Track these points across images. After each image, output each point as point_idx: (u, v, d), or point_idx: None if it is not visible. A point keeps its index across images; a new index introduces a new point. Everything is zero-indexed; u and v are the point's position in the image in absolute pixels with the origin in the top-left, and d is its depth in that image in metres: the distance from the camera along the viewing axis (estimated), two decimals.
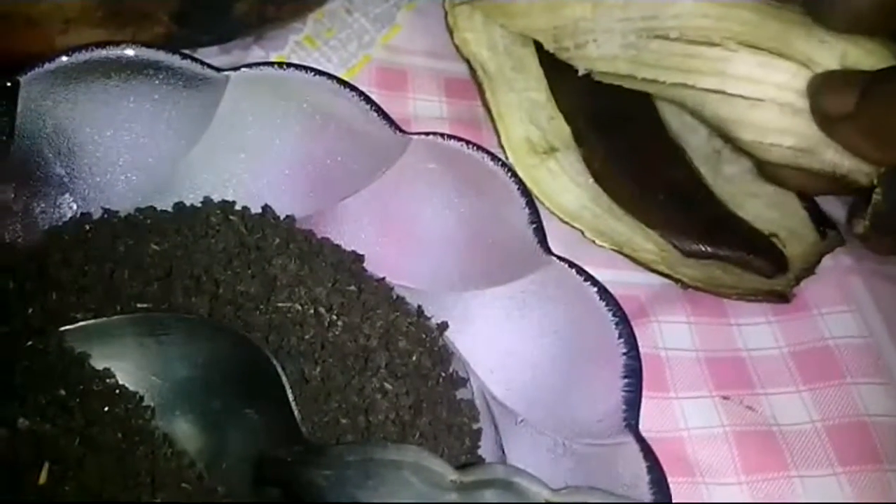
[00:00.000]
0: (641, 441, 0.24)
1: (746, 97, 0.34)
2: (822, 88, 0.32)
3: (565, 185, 0.39)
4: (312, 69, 0.30)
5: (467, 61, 0.42)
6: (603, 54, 0.38)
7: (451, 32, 0.43)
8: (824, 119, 0.32)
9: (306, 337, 0.28)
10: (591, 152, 0.40)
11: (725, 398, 0.34)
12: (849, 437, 0.33)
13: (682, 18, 0.35)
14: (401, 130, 0.30)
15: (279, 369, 0.26)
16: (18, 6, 0.34)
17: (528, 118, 0.41)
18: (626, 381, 0.25)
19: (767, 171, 0.36)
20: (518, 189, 0.29)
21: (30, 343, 0.27)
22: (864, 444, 0.33)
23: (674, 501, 0.23)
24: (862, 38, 0.33)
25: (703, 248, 0.37)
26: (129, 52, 0.29)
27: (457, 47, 0.42)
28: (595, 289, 0.27)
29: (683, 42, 0.35)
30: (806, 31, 0.33)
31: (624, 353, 0.25)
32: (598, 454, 0.25)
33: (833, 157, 0.33)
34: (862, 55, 0.33)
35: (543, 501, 0.22)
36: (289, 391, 0.26)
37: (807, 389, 0.34)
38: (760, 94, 0.34)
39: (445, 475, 0.23)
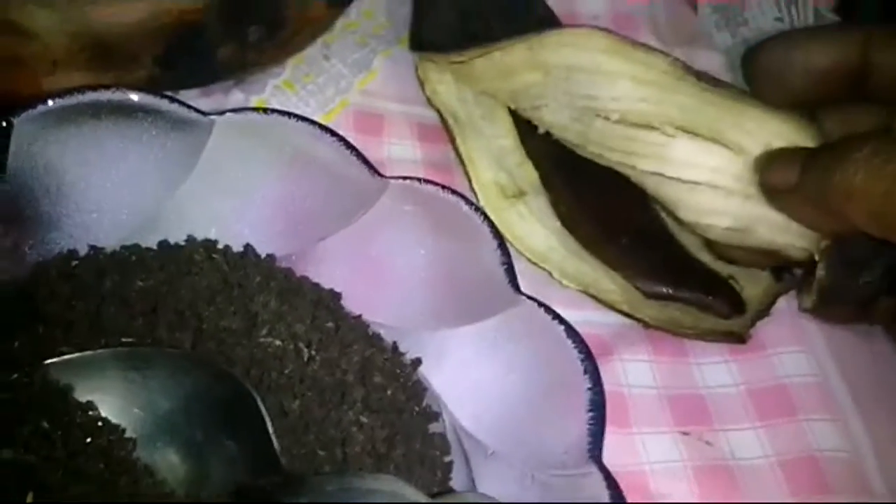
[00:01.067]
0: (604, 470, 0.25)
1: (684, 180, 0.36)
2: (769, 164, 0.34)
3: (534, 227, 0.41)
4: (294, 115, 0.32)
5: (438, 111, 0.44)
6: (555, 121, 0.39)
7: (422, 85, 0.44)
8: (771, 192, 0.34)
9: (286, 371, 0.29)
10: (558, 197, 0.42)
11: (685, 433, 0.35)
12: (800, 471, 0.34)
13: (621, 101, 0.37)
14: (379, 174, 0.31)
15: (259, 402, 0.27)
16: (6, 49, 0.35)
17: (497, 163, 0.43)
18: (590, 414, 0.26)
19: (711, 246, 0.38)
20: (490, 231, 0.30)
21: (15, 375, 0.28)
22: (815, 476, 0.34)
23: None
24: (791, 117, 0.35)
25: (664, 290, 0.39)
26: (120, 95, 0.30)
27: (428, 98, 0.44)
28: (562, 327, 0.28)
29: (625, 125, 0.37)
30: (734, 119, 0.35)
31: (589, 388, 0.27)
32: (564, 484, 0.26)
33: (766, 235, 0.35)
34: (791, 135, 0.35)
35: None
36: (269, 423, 0.27)
37: (762, 426, 0.36)
38: (697, 178, 0.35)
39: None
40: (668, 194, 0.36)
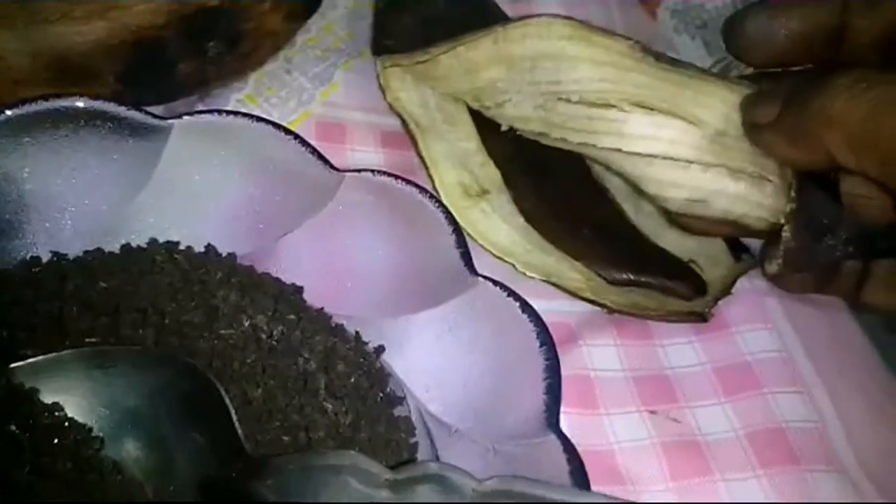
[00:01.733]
0: (562, 436, 0.26)
1: (643, 154, 0.36)
2: (752, 102, 0.35)
3: (497, 224, 0.42)
4: (252, 116, 0.32)
5: (400, 117, 0.45)
6: (518, 114, 0.40)
7: (384, 92, 0.45)
8: (753, 128, 0.34)
9: (247, 361, 0.29)
10: (521, 194, 0.43)
11: (652, 412, 0.36)
12: (767, 443, 0.35)
13: (581, 83, 0.37)
14: (334, 168, 0.32)
15: (222, 392, 0.28)
16: None
17: (459, 164, 0.43)
18: (546, 382, 0.27)
19: (672, 218, 0.39)
20: (445, 217, 0.31)
21: None
22: (782, 447, 0.35)
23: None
24: (751, 90, 0.36)
25: (627, 277, 0.40)
26: (78, 103, 0.31)
27: (390, 105, 0.45)
28: (517, 303, 0.29)
29: (584, 105, 0.37)
30: (692, 93, 0.36)
31: (545, 358, 0.27)
32: (525, 453, 0.27)
33: (725, 205, 0.36)
34: None
35: (471, 491, 0.23)
36: (232, 412, 0.28)
37: (728, 401, 0.36)
38: (654, 151, 0.36)
39: (381, 475, 0.25)
40: (628, 169, 0.37)
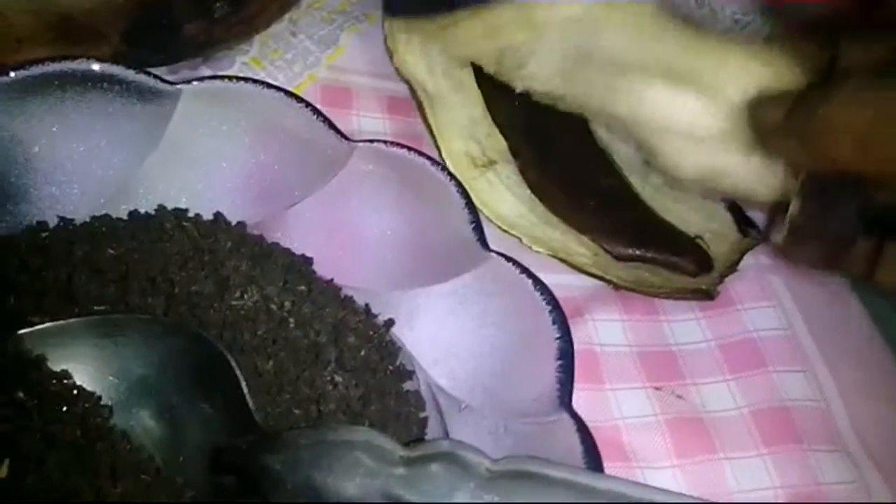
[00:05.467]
0: (575, 416, 0.26)
1: (658, 126, 0.36)
2: (759, 103, 0.35)
3: (503, 195, 0.41)
4: (262, 82, 0.32)
5: (407, 82, 0.44)
6: (539, 77, 0.40)
7: (391, 55, 0.44)
8: (759, 131, 0.34)
9: (259, 332, 0.29)
10: (527, 164, 0.42)
11: (657, 389, 0.36)
12: (771, 421, 0.35)
13: (604, 49, 0.37)
14: (346, 138, 0.32)
15: (233, 363, 0.28)
16: None
17: (466, 133, 0.43)
18: (559, 362, 0.27)
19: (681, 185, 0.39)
20: (458, 191, 0.31)
21: None
22: (786, 426, 0.35)
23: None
24: (774, 60, 0.35)
25: (632, 252, 0.39)
26: (85, 66, 0.30)
27: (397, 69, 0.44)
28: (530, 280, 0.29)
29: (606, 72, 0.37)
30: (715, 64, 0.35)
31: (557, 338, 0.27)
32: (536, 432, 0.27)
33: (735, 180, 0.36)
34: (772, 78, 0.35)
35: (485, 470, 0.23)
36: (243, 384, 0.27)
37: (732, 378, 0.37)
38: (671, 122, 0.36)
39: (394, 452, 0.24)
40: (643, 137, 0.37)
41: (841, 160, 0.30)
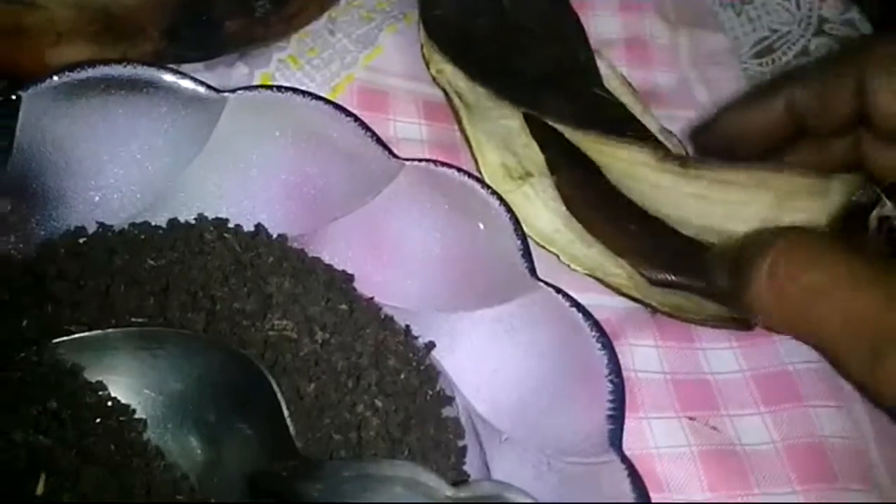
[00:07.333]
0: (626, 460, 0.25)
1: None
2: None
3: (539, 210, 0.41)
4: (309, 94, 0.31)
5: (443, 89, 0.43)
6: None
7: (427, 63, 0.44)
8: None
9: (301, 354, 0.28)
10: (563, 180, 0.41)
11: (691, 419, 0.35)
12: (806, 457, 0.35)
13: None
14: (394, 155, 0.31)
15: (274, 385, 0.27)
16: (10, 18, 0.34)
17: (503, 145, 0.42)
18: (610, 401, 0.26)
19: None
20: (508, 216, 0.30)
21: (23, 354, 0.27)
22: (821, 463, 0.34)
23: None
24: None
25: (668, 278, 0.39)
26: (130, 70, 0.30)
27: (433, 77, 0.43)
28: (581, 314, 0.28)
29: None
30: (722, 209, 0.38)
31: (608, 376, 0.27)
32: (583, 472, 0.26)
33: None
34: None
35: None
36: (284, 407, 0.27)
37: (767, 411, 0.36)
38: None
39: (440, 490, 0.24)
40: None
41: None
